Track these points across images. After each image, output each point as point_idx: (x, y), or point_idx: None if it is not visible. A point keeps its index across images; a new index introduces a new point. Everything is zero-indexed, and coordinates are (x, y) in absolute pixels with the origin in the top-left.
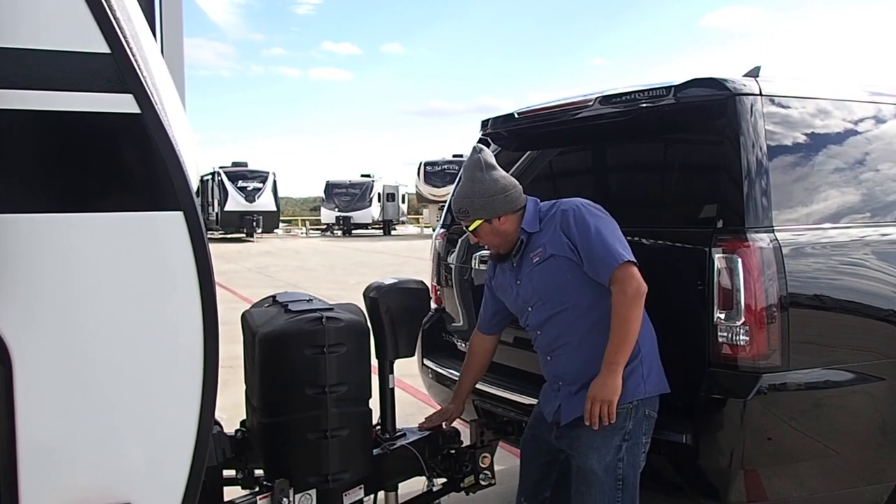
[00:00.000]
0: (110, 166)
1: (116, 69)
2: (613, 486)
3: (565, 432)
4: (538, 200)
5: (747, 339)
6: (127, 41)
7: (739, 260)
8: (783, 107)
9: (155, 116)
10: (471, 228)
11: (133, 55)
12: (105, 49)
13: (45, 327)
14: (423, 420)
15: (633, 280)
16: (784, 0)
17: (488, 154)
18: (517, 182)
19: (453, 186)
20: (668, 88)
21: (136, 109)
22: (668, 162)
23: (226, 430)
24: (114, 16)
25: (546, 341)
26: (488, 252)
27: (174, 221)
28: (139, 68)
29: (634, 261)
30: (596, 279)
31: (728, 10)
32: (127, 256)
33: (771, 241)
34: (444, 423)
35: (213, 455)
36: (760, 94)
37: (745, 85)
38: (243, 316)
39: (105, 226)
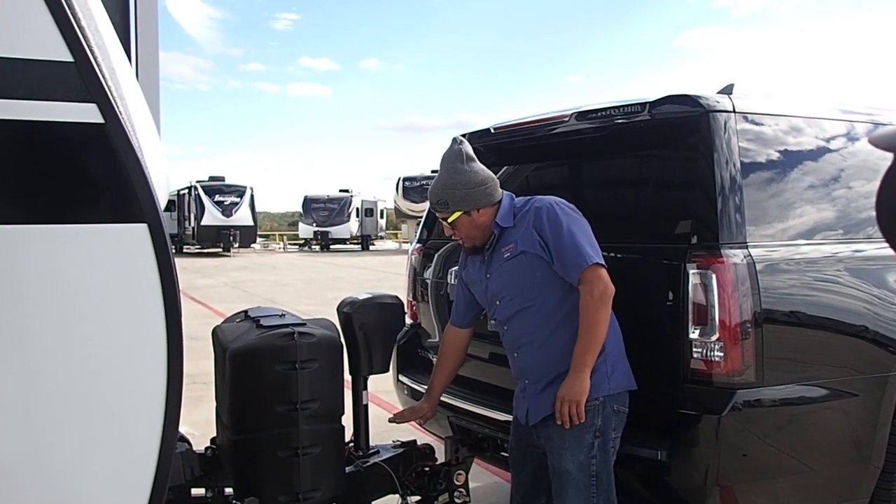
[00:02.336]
0: (72, 177)
1: (80, 78)
2: (588, 483)
3: (540, 432)
4: (513, 196)
5: (722, 354)
6: (91, 50)
7: (714, 276)
8: (756, 124)
9: (119, 126)
10: (449, 220)
11: (97, 64)
12: (68, 57)
13: (1, 340)
14: (394, 415)
15: (600, 282)
16: (755, 21)
17: (468, 146)
18: (494, 175)
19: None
20: (643, 105)
21: (99, 119)
22: (642, 178)
23: (196, 448)
24: (78, 24)
25: (512, 337)
26: (462, 244)
27: (138, 234)
28: (103, 78)
29: (603, 263)
30: (565, 278)
31: (701, 31)
32: (89, 269)
33: (745, 256)
34: (418, 421)
35: (180, 473)
36: (734, 111)
37: (718, 102)
38: (214, 331)
39: (66, 238)
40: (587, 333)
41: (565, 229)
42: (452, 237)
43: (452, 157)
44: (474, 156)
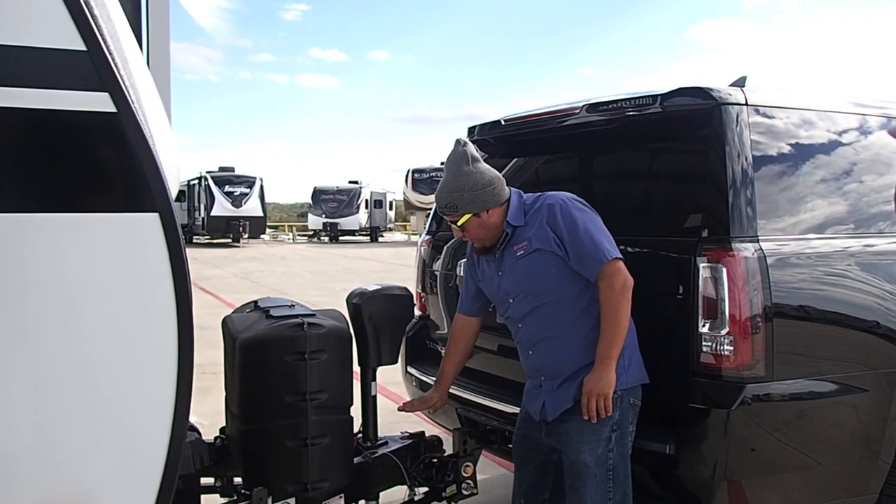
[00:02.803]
0: (84, 166)
1: (92, 67)
2: (605, 477)
3: (554, 428)
4: (521, 193)
5: (731, 349)
6: (104, 39)
7: (724, 269)
8: (769, 117)
9: (131, 116)
10: (459, 223)
11: (110, 53)
12: (81, 46)
13: (12, 329)
14: (403, 403)
15: (620, 275)
16: (764, 13)
17: (472, 147)
18: (500, 175)
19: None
20: (655, 97)
21: (111, 108)
22: (653, 170)
23: (205, 437)
24: (91, 13)
25: (528, 335)
26: (472, 246)
27: (149, 223)
28: (116, 67)
29: (621, 256)
30: (582, 274)
31: (711, 23)
32: (100, 258)
33: (755, 250)
34: (427, 412)
35: (189, 462)
36: (746, 104)
37: (730, 94)
38: (224, 321)
39: (78, 226)
40: (611, 326)
41: (581, 226)
42: (463, 240)
43: (457, 159)
44: (479, 156)
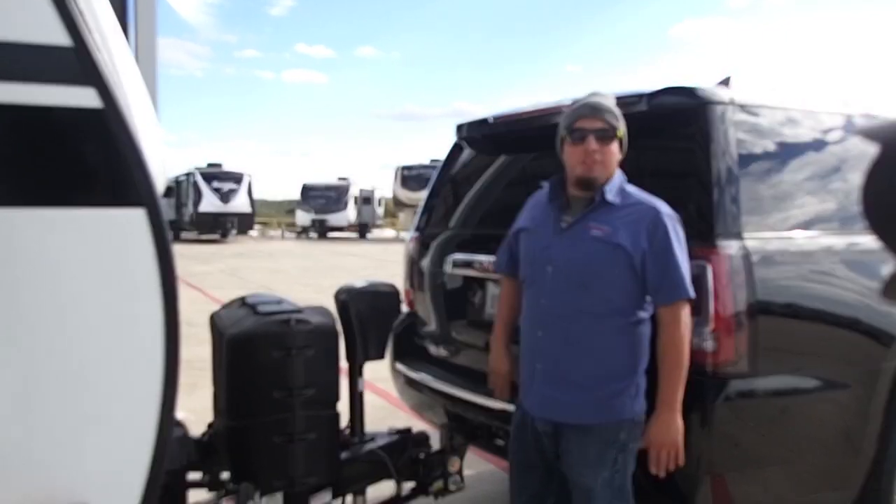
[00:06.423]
0: (69, 161)
1: (78, 62)
2: (613, 496)
3: (558, 441)
4: (625, 177)
5: (715, 345)
6: (90, 34)
7: (709, 267)
8: (754, 115)
9: (117, 111)
10: (619, 133)
11: (96, 48)
12: (66, 41)
13: None
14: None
15: (687, 316)
16: (750, 11)
17: None
18: None
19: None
20: (641, 96)
21: (98, 104)
22: (640, 169)
23: (193, 433)
24: (76, 7)
25: (549, 311)
26: (584, 168)
27: (136, 218)
28: (102, 62)
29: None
30: (655, 295)
31: (696, 21)
32: (86, 253)
33: (740, 248)
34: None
35: (176, 458)
36: (731, 103)
37: (716, 93)
38: (212, 317)
39: (63, 222)
40: (677, 368)
41: (678, 252)
42: (588, 154)
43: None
44: None
